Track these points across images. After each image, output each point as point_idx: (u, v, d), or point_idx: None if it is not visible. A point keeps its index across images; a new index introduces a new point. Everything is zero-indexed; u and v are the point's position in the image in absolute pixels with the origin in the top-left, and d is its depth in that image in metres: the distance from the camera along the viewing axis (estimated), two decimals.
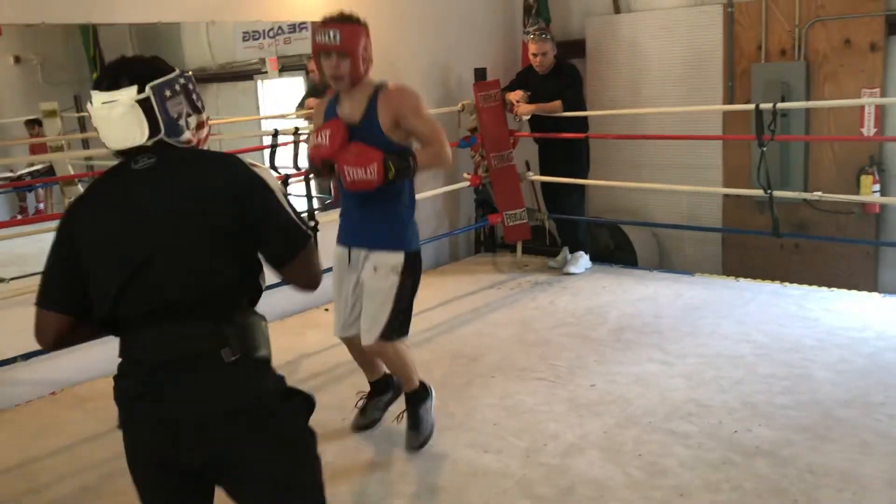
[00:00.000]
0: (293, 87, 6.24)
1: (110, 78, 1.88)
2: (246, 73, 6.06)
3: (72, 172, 5.33)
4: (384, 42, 6.09)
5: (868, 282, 5.77)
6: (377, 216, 3.27)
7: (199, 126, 1.98)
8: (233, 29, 5.80)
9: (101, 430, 3.89)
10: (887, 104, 5.64)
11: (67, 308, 1.92)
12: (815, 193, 5.14)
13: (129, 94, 1.85)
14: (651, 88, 6.64)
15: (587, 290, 5.64)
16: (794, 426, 3.47)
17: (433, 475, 3.26)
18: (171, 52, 5.41)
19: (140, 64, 1.93)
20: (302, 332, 5.14)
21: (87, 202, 1.94)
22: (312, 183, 5.28)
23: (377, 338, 3.25)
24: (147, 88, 1.85)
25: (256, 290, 1.96)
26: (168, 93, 1.88)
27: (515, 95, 5.99)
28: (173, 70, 1.93)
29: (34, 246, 4.74)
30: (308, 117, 5.99)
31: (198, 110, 1.96)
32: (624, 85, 6.77)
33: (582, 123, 6.02)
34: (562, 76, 5.92)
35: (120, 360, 1.93)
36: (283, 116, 6.08)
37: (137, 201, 1.85)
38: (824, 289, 5.34)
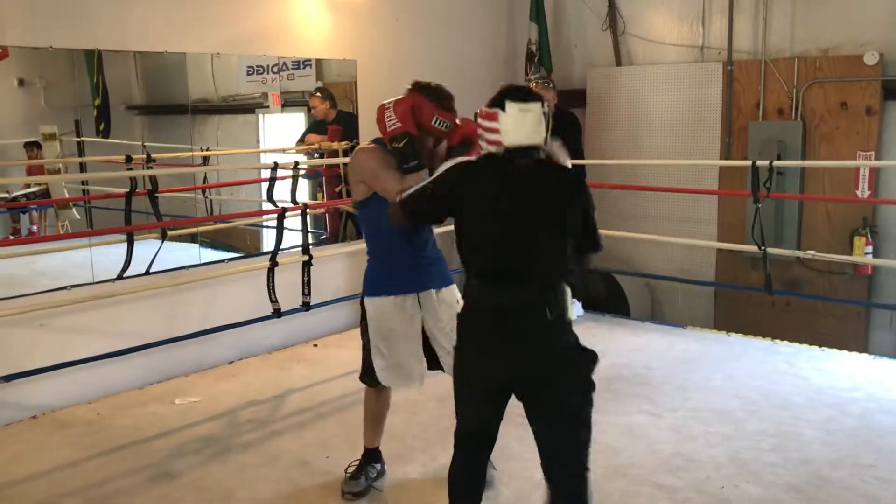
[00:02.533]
0: (294, 123, 6.27)
1: (524, 92, 2.61)
2: (248, 107, 6.09)
3: (67, 196, 5.31)
4: (386, 85, 6.13)
5: (858, 342, 5.76)
6: (432, 255, 3.32)
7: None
8: (237, 62, 5.84)
9: (80, 456, 3.84)
10: (881, 167, 5.70)
11: (415, 223, 2.95)
12: (808, 252, 5.17)
13: (538, 107, 2.56)
14: (649, 140, 6.70)
15: (579, 338, 5.60)
16: (782, 484, 3.44)
17: None
18: (174, 81, 5.43)
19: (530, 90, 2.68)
20: (288, 367, 5.10)
21: (476, 174, 2.64)
22: (308, 217, 5.28)
23: None
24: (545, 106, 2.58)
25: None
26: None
27: None
28: None
29: (25, 268, 4.73)
30: (308, 152, 6.03)
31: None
32: (623, 136, 6.84)
33: (580, 172, 6.04)
34: (561, 124, 5.94)
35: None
36: (282, 151, 6.10)
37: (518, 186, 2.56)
38: (815, 347, 5.33)
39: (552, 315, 2.51)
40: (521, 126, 2.54)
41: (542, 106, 2.56)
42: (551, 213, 2.56)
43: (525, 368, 2.53)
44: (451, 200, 2.61)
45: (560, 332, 2.56)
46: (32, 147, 5.02)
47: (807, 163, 5.86)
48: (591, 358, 2.60)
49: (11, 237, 5.30)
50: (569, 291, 2.59)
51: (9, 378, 4.14)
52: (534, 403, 2.58)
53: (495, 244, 2.55)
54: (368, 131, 6.04)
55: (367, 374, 3.32)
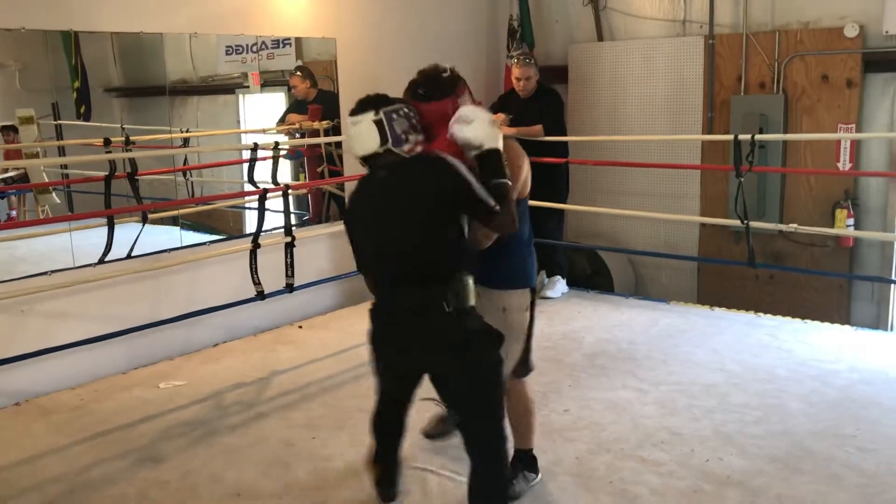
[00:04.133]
0: (275, 103, 6.21)
1: (360, 104, 2.67)
2: (228, 87, 6.02)
3: (46, 180, 5.25)
4: (367, 64, 6.10)
5: (841, 314, 5.82)
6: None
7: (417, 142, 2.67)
8: (216, 42, 5.77)
9: (65, 443, 3.82)
10: (862, 139, 5.72)
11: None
12: (790, 225, 5.19)
13: (369, 116, 2.62)
14: (632, 116, 6.69)
15: (563, 314, 5.63)
16: (765, 456, 3.47)
17: (405, 498, 3.22)
18: (153, 63, 5.36)
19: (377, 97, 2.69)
20: (273, 349, 5.09)
21: (356, 189, 2.78)
22: (290, 198, 5.25)
23: None
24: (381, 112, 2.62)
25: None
26: (395, 116, 2.63)
27: (497, 118, 5.97)
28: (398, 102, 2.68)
29: (4, 253, 4.68)
30: (289, 132, 5.98)
31: (416, 130, 2.67)
32: (605, 112, 6.82)
33: (562, 148, 6.04)
34: (544, 101, 5.94)
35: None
36: (263, 131, 6.05)
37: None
38: (798, 320, 5.37)
39: (450, 308, 2.56)
40: (356, 138, 2.66)
41: (376, 113, 2.62)
42: (413, 210, 2.58)
43: (425, 362, 2.67)
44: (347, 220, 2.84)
45: (460, 322, 2.59)
46: (9, 131, 4.95)
47: (788, 136, 5.87)
48: (495, 342, 2.64)
49: None
50: (468, 279, 2.60)
51: None
52: (442, 390, 2.72)
53: (373, 254, 2.71)
54: (349, 110, 6.01)
55: (524, 364, 3.18)
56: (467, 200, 2.55)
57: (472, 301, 2.62)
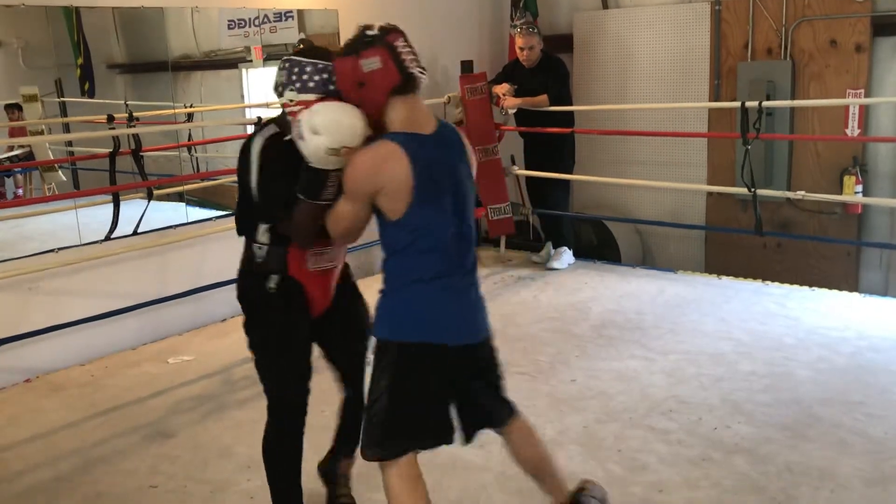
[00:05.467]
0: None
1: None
2: (231, 62, 5.99)
3: (52, 157, 5.25)
4: None
5: (849, 282, 5.79)
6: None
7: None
8: (218, 16, 5.73)
9: (76, 418, 3.86)
10: (872, 105, 5.66)
11: None
12: (798, 193, 5.15)
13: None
14: (638, 84, 6.63)
15: (570, 285, 5.63)
16: (773, 424, 3.48)
17: None
18: (155, 38, 5.33)
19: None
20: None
21: None
22: None
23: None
24: None
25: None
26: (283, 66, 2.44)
27: (502, 89, 5.97)
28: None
29: (11, 231, 4.69)
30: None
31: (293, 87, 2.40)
32: (611, 80, 6.77)
33: (568, 118, 6.00)
34: (548, 70, 5.90)
35: None
36: (267, 105, 6.02)
37: None
38: (805, 288, 5.36)
39: (246, 267, 2.66)
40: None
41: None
42: (239, 180, 2.60)
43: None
44: None
45: (246, 282, 2.68)
46: (13, 109, 4.95)
47: (796, 102, 5.82)
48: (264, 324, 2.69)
49: None
50: (254, 246, 2.61)
51: (1, 342, 4.13)
52: None
53: None
54: None
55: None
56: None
57: (265, 268, 2.57)
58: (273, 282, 2.56)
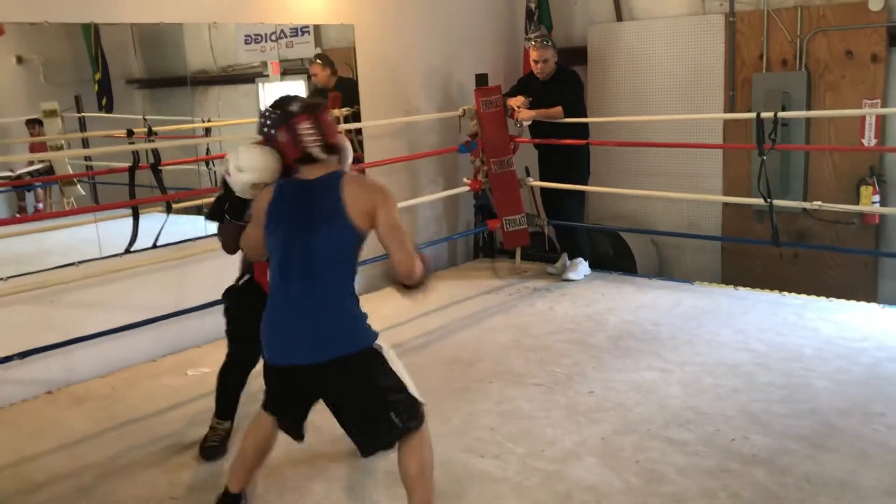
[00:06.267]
0: (294, 91, 6.22)
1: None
2: (247, 76, 6.05)
3: (71, 172, 5.32)
4: (385, 50, 6.11)
5: (867, 292, 5.76)
6: None
7: None
8: (235, 31, 5.79)
9: (97, 430, 3.89)
10: (888, 115, 5.65)
11: None
12: (814, 203, 5.14)
13: None
14: (652, 96, 6.64)
15: (586, 296, 5.63)
16: (792, 435, 3.46)
17: None
18: (173, 53, 5.39)
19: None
20: None
21: None
22: None
23: None
24: None
25: None
26: None
27: (516, 101, 6.00)
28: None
29: (32, 245, 4.74)
30: None
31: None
32: (625, 92, 6.78)
33: (583, 130, 6.02)
34: (563, 82, 5.92)
35: None
36: None
37: None
38: (823, 298, 5.33)
39: None
40: None
41: None
42: None
43: None
44: None
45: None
46: (34, 124, 5.01)
47: (812, 113, 5.81)
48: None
49: (18, 215, 5.32)
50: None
51: (23, 355, 4.17)
52: None
53: None
54: (369, 98, 6.02)
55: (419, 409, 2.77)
56: None
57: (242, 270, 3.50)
58: (243, 281, 3.47)
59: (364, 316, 2.75)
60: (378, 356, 2.69)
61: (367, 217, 2.67)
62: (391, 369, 2.70)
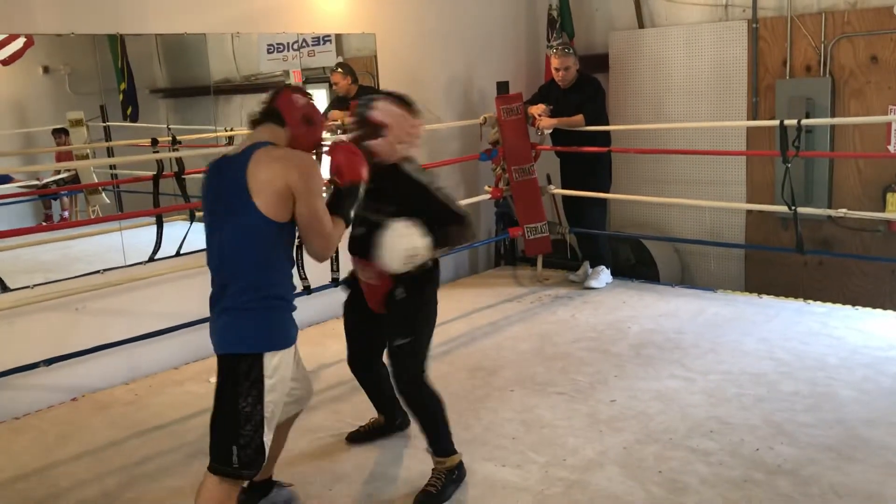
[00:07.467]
0: (316, 100, 6.26)
1: None
2: (270, 86, 6.09)
3: (96, 181, 5.38)
4: (407, 58, 6.13)
5: (893, 300, 5.69)
6: None
7: None
8: (257, 41, 5.84)
9: (122, 436, 3.92)
10: None
11: None
12: (839, 210, 5.10)
13: None
14: (674, 103, 6.62)
15: (608, 304, 5.61)
16: (817, 445, 3.43)
17: None
18: (196, 63, 5.45)
19: None
20: (321, 343, 5.15)
21: None
22: None
23: None
24: None
25: None
26: None
27: (537, 109, 5.99)
28: None
29: (58, 253, 4.80)
30: (331, 129, 6.03)
31: None
32: (647, 100, 6.76)
33: (604, 137, 6.00)
34: (584, 90, 5.91)
35: None
36: None
37: None
38: (848, 307, 5.28)
39: None
40: None
41: None
42: None
43: None
44: None
45: None
46: (60, 134, 5.08)
47: (836, 120, 5.76)
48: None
49: (44, 223, 5.38)
50: None
51: (49, 362, 4.22)
52: None
53: None
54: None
55: (259, 452, 2.66)
56: None
57: None
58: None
59: (268, 318, 2.62)
60: (248, 371, 2.58)
61: (280, 201, 2.48)
62: (255, 394, 2.58)
